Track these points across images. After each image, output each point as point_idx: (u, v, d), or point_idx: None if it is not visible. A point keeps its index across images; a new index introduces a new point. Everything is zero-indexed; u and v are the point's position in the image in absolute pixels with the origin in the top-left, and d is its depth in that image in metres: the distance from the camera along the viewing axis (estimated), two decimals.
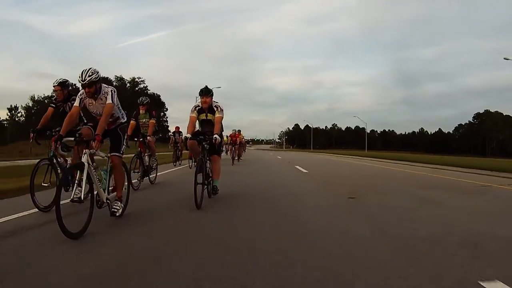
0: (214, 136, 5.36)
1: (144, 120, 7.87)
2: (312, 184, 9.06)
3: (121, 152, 4.48)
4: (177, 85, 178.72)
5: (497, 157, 54.19)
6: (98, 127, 3.94)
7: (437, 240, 3.49)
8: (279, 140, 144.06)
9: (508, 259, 2.92)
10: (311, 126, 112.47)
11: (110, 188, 4.46)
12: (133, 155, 7.47)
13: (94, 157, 3.95)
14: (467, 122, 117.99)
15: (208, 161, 5.76)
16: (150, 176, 7.79)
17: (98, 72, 4.10)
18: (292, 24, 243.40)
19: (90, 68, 4.03)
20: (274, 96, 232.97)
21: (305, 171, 13.16)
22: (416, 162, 23.23)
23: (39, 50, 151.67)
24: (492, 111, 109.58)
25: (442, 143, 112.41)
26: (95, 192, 3.95)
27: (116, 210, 4.23)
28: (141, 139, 7.43)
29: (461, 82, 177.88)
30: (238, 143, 18.51)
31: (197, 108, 5.86)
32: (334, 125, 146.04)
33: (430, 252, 3.09)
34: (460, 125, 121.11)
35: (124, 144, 4.56)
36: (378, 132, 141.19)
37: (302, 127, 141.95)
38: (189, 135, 5.54)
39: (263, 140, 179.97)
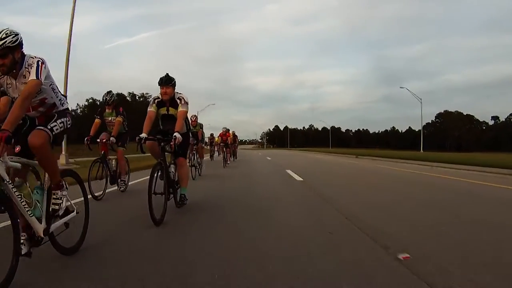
0: (174, 134, 4.33)
1: (110, 118, 6.70)
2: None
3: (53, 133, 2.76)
4: None
5: (452, 152, 59.06)
6: (7, 119, 2.35)
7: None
8: (260, 140, 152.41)
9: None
10: (288, 128, 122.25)
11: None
12: (94, 160, 6.22)
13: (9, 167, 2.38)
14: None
15: (172, 166, 4.85)
16: (120, 184, 6.71)
17: (18, 34, 2.58)
18: (275, 24, 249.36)
19: (4, 29, 2.52)
20: (257, 96, 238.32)
21: (268, 158, 23.73)
22: (360, 155, 31.71)
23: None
24: (471, 107, 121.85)
25: (412, 140, 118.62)
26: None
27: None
28: (104, 140, 6.27)
29: (443, 79, 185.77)
30: (230, 143, 17.05)
31: (156, 101, 4.85)
32: (311, 126, 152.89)
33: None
34: (427, 123, 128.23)
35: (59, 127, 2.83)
36: (353, 131, 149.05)
37: (282, 127, 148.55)
38: (144, 135, 4.40)
39: (246, 140, 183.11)
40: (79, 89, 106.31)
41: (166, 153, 4.69)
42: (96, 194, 5.82)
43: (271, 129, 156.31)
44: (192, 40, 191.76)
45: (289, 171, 11.90)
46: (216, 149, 21.42)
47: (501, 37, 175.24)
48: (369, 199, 6.20)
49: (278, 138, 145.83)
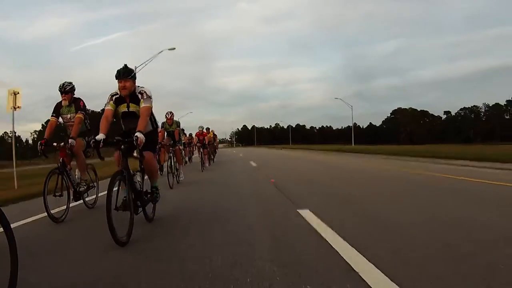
0: (135, 134, 3.70)
1: (68, 115, 5.38)
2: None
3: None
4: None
5: (401, 145, 67.29)
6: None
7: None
8: (230, 139, 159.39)
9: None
10: (255, 127, 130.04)
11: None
12: (51, 171, 4.90)
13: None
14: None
15: (138, 173, 4.20)
16: (80, 185, 5.43)
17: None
18: (248, 22, 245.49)
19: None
20: (229, 95, 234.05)
21: (241, 154, 31.24)
22: (315, 149, 40.91)
23: None
24: (440, 102, 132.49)
25: (373, 135, 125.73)
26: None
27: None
28: (62, 143, 5.02)
29: (413, 75, 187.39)
30: (207, 143, 15.52)
31: (114, 98, 4.19)
32: (276, 124, 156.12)
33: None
34: (385, 118, 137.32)
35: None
36: (317, 128, 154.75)
37: (250, 127, 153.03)
38: (102, 136, 3.77)
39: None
40: (49, 94, 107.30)
41: (129, 158, 3.91)
42: (54, 215, 4.61)
43: (240, 129, 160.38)
44: (166, 39, 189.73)
45: (252, 163, 17.85)
46: (194, 149, 19.36)
47: (473, 34, 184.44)
48: (303, 176, 10.54)
49: (247, 136, 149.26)
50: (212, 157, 18.67)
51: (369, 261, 2.74)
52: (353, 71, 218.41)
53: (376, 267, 2.60)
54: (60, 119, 5.57)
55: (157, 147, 9.02)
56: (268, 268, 2.70)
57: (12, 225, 2.59)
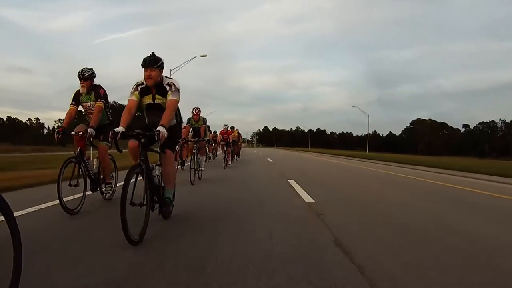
0: (157, 128, 3.45)
1: (88, 103, 5.04)
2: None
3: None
4: None
5: (419, 155, 70.26)
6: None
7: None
8: (251, 140, 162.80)
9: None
10: (277, 128, 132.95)
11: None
12: (67, 159, 4.61)
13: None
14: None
15: (157, 167, 3.97)
16: (105, 189, 5.27)
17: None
18: (269, 24, 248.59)
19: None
20: (249, 95, 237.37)
21: (260, 153, 35.68)
22: (330, 154, 43.49)
23: (18, 45, 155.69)
24: (463, 113, 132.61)
25: (392, 144, 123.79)
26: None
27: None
28: (80, 133, 4.77)
29: (435, 84, 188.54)
30: (231, 141, 15.81)
31: (139, 88, 3.89)
32: (297, 128, 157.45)
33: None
34: (406, 128, 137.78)
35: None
36: (337, 133, 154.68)
37: (271, 128, 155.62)
38: (121, 128, 3.49)
39: None
40: (70, 83, 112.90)
41: (149, 152, 3.71)
42: (69, 206, 4.31)
43: (261, 130, 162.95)
44: (184, 38, 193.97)
45: (269, 159, 22.75)
46: (219, 148, 19.00)
47: (493, 44, 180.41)
48: (301, 169, 14.51)
49: (267, 137, 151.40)
50: (236, 155, 18.77)
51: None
52: (374, 76, 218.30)
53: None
54: (81, 108, 5.17)
55: (181, 142, 9.54)
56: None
57: (21, 212, 3.02)
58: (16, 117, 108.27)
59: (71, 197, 4.67)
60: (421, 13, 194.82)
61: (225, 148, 14.67)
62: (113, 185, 5.50)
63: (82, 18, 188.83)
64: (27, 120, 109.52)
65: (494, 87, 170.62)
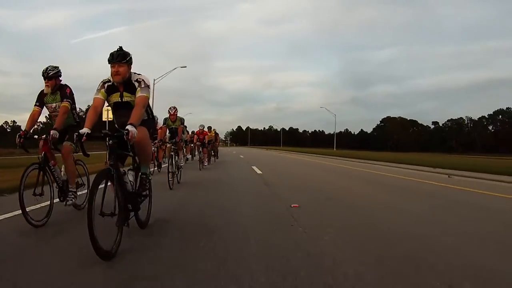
0: (126, 128, 3.14)
1: (54, 104, 4.61)
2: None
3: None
4: None
5: (387, 152, 69.38)
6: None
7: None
8: (224, 139, 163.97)
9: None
10: (250, 128, 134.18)
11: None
12: (30, 165, 4.11)
13: None
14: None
15: (130, 172, 3.75)
16: (69, 197, 4.59)
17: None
18: (247, 24, 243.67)
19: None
20: (226, 95, 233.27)
21: (234, 152, 39.93)
22: (294, 151, 47.80)
23: None
24: (436, 112, 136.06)
25: (364, 141, 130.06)
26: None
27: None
28: (44, 136, 4.36)
29: (410, 84, 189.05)
30: (207, 142, 15.45)
31: (106, 85, 3.62)
32: (270, 127, 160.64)
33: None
34: (377, 125, 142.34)
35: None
36: (309, 132, 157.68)
37: (244, 128, 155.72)
38: (86, 130, 3.23)
39: None
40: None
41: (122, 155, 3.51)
42: (33, 218, 3.87)
43: (234, 129, 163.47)
44: (163, 37, 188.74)
45: (241, 156, 28.06)
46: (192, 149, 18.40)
47: (470, 45, 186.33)
48: (261, 160, 21.71)
49: (241, 137, 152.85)
50: (213, 155, 18.31)
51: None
52: (350, 77, 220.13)
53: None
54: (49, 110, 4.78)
55: (157, 143, 9.34)
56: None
57: None
58: None
59: (36, 207, 4.32)
60: (398, 14, 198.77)
61: (200, 149, 14.45)
62: (79, 193, 4.88)
63: (60, 16, 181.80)
64: (3, 123, 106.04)
65: (469, 86, 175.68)
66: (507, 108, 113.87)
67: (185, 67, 33.47)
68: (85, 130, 3.23)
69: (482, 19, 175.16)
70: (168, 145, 9.07)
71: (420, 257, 3.13)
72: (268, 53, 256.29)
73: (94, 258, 2.75)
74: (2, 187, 6.38)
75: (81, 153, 4.68)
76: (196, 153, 16.50)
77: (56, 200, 4.52)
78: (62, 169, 4.76)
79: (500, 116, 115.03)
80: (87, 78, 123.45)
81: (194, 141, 15.50)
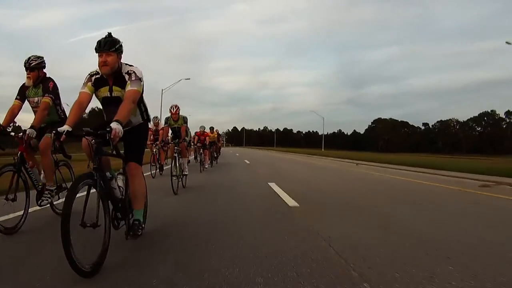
0: (110, 125, 2.68)
1: (36, 98, 4.18)
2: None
3: None
4: None
5: (378, 152, 71.73)
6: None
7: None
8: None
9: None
10: (245, 129, 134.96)
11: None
12: (2, 167, 3.67)
13: None
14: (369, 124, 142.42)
15: (120, 176, 3.32)
16: (45, 195, 4.22)
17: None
18: (243, 24, 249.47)
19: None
20: (221, 95, 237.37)
21: (231, 151, 46.91)
22: (285, 151, 53.46)
23: None
24: (433, 113, 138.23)
25: (356, 142, 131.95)
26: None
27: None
28: (20, 134, 3.81)
29: (405, 84, 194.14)
30: (208, 143, 14.62)
31: (93, 78, 3.17)
32: (265, 127, 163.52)
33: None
34: (369, 126, 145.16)
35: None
36: (303, 132, 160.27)
37: (240, 128, 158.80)
38: (66, 128, 2.72)
39: None
40: None
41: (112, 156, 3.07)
42: (5, 225, 3.51)
43: (230, 130, 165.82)
44: (159, 37, 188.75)
45: (237, 154, 34.75)
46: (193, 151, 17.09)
47: (467, 45, 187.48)
48: (254, 157, 26.94)
49: (236, 137, 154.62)
50: (215, 157, 17.59)
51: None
52: (346, 77, 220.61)
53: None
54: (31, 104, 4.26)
55: (158, 145, 9.89)
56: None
57: None
58: None
59: (10, 215, 3.93)
60: (395, 15, 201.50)
61: (201, 151, 13.92)
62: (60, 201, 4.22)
63: (56, 16, 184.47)
64: None
65: (464, 87, 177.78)
66: (491, 110, 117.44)
67: (189, 79, 34.43)
68: (65, 127, 2.70)
69: (481, 18, 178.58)
70: (171, 144, 8.45)
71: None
72: (263, 54, 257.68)
73: (74, 275, 2.31)
74: None
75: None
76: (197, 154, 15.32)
77: (34, 208, 4.15)
78: (42, 173, 4.26)
79: (486, 118, 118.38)
80: (83, 78, 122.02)
81: (195, 142, 14.67)
